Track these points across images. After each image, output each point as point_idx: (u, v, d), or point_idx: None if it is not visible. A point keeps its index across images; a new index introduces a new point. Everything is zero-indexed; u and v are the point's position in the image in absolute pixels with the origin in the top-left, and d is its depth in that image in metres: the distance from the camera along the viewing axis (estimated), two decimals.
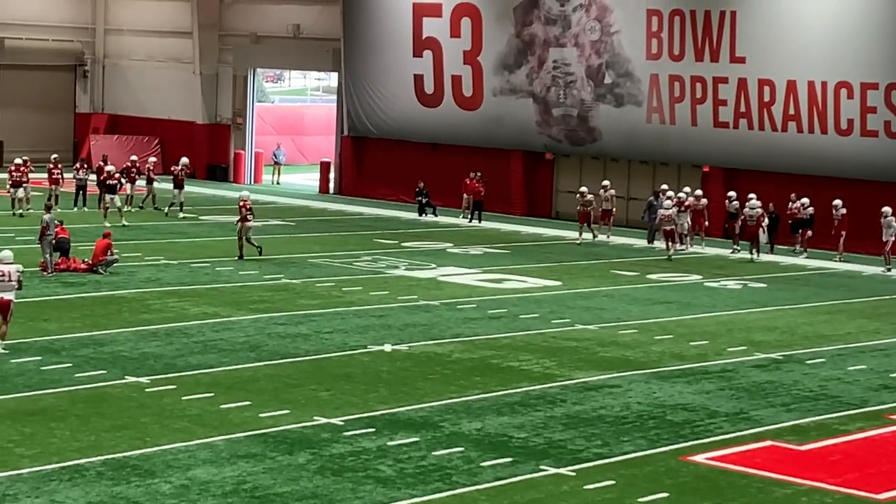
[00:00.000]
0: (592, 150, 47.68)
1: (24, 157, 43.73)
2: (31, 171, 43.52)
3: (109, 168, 42.44)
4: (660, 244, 40.87)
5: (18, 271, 23.78)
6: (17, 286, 23.57)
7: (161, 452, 17.90)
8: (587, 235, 41.78)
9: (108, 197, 41.48)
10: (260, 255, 35.17)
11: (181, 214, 43.48)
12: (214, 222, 42.56)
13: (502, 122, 48.99)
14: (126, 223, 40.44)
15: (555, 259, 38.28)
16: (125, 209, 42.13)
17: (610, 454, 18.76)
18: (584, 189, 42.48)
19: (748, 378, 23.93)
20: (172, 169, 45.24)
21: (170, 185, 44.75)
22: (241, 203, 35.58)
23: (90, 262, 32.22)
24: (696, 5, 44.48)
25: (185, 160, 45.71)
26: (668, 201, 40.17)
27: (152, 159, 47.55)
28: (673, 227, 39.53)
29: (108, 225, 38.57)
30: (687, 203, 40.71)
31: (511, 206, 48.72)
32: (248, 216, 35.33)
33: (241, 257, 34.96)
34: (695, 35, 44.52)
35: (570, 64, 47.35)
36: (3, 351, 23.22)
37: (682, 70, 44.85)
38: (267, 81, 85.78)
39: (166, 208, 43.98)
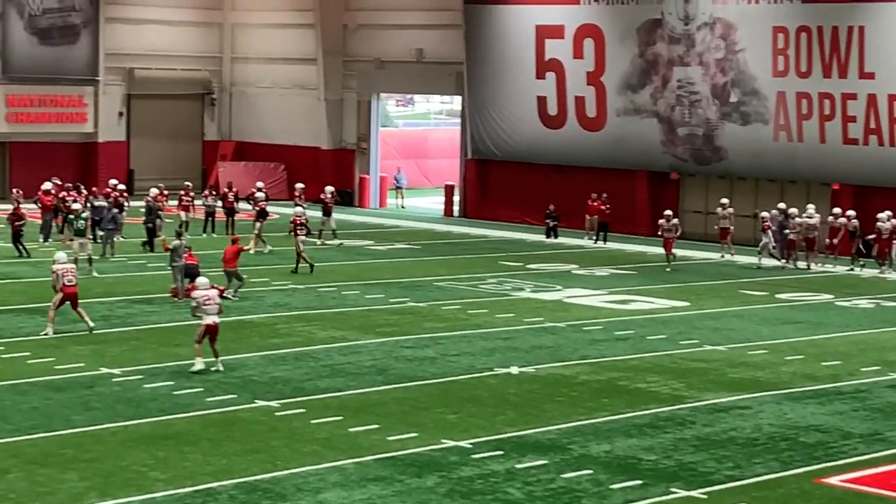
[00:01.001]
0: (718, 170, 47.23)
1: (160, 185, 44.35)
2: (167, 200, 44.15)
3: (259, 195, 43.41)
4: (781, 262, 40.45)
5: (219, 294, 24.53)
6: (219, 308, 24.29)
7: (291, 476, 18.04)
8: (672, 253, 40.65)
9: (257, 224, 42.04)
10: (311, 271, 36.24)
11: (336, 241, 43.54)
12: (340, 247, 42.87)
13: (626, 142, 48.74)
14: (253, 251, 40.74)
15: (682, 279, 37.92)
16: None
17: (742, 476, 18.51)
18: (668, 213, 41.54)
19: (882, 398, 23.48)
20: (321, 196, 45.28)
21: (318, 213, 44.79)
22: (294, 219, 37.15)
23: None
24: (823, 21, 43.88)
25: (330, 188, 45.75)
26: (811, 208, 40.55)
27: (300, 185, 47.01)
28: (815, 235, 39.85)
29: (267, 251, 39.98)
30: (767, 224, 40.63)
31: (636, 227, 48.39)
32: (299, 231, 36.69)
33: (295, 271, 36.34)
34: (822, 51, 43.90)
35: (695, 83, 46.97)
36: (220, 368, 24.13)
37: (809, 87, 44.25)
38: (397, 105, 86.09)
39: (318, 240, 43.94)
